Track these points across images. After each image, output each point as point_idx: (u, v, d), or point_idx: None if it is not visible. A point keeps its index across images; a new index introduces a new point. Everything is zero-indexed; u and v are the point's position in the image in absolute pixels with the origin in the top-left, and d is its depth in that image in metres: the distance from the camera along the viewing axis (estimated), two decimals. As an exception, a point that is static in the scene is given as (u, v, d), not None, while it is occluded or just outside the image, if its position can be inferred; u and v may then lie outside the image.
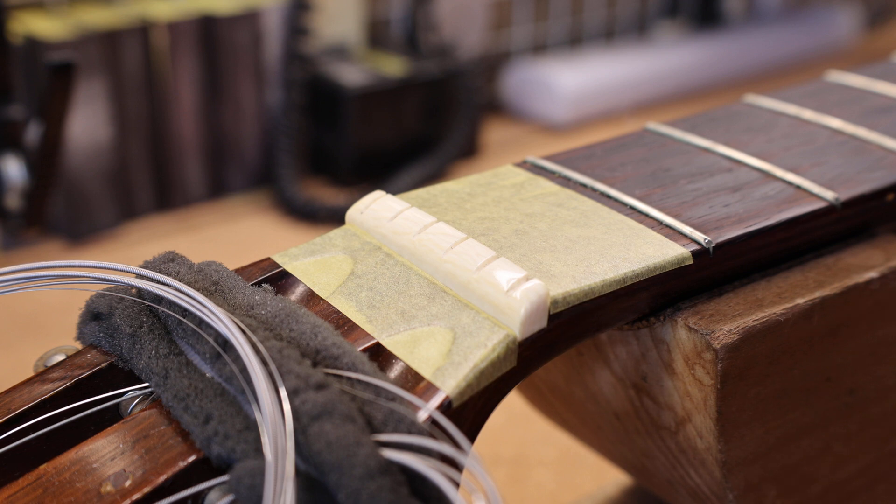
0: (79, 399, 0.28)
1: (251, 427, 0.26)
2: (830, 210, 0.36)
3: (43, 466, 0.26)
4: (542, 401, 0.45)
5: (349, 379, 0.26)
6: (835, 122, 0.42)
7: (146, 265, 0.30)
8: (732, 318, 0.33)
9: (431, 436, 0.25)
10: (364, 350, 0.28)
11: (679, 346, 0.33)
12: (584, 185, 0.36)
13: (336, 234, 0.34)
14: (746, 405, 0.33)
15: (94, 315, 0.30)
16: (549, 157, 0.39)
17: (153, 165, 1.19)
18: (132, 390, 0.28)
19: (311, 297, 0.31)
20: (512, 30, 1.43)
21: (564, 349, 0.31)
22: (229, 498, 0.24)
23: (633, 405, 0.37)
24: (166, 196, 1.20)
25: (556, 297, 0.30)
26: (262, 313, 0.29)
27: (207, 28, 1.19)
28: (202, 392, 0.27)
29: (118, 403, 0.28)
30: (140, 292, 0.29)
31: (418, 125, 1.21)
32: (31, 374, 0.29)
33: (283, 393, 0.25)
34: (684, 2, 1.61)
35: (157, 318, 0.29)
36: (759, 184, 0.37)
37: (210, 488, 0.25)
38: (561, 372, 0.41)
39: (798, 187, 0.37)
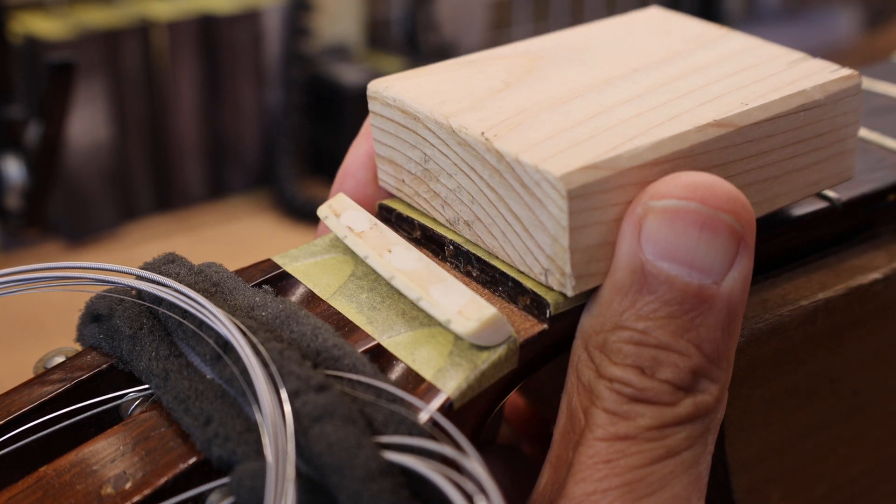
0: (79, 401, 0.28)
1: (252, 429, 0.25)
2: (831, 211, 0.36)
3: (43, 468, 0.26)
4: (545, 402, 0.45)
5: (350, 380, 0.26)
6: None
7: (146, 266, 0.30)
8: None
9: (433, 437, 0.25)
10: (365, 351, 0.28)
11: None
12: None
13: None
14: (750, 407, 0.33)
15: (94, 316, 0.30)
16: None
17: (153, 165, 1.19)
18: (132, 392, 0.28)
19: (311, 299, 0.31)
20: (512, 30, 1.43)
21: (566, 350, 0.30)
22: (230, 500, 0.24)
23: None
24: (166, 196, 1.20)
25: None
26: (262, 315, 0.29)
27: (207, 28, 1.19)
28: (203, 394, 0.26)
29: (118, 405, 0.28)
30: (140, 294, 0.29)
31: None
32: (30, 375, 0.29)
33: (284, 394, 0.25)
34: (684, 2, 1.61)
35: (158, 319, 0.29)
36: None
37: (211, 490, 0.25)
38: (562, 373, 0.41)
39: None
